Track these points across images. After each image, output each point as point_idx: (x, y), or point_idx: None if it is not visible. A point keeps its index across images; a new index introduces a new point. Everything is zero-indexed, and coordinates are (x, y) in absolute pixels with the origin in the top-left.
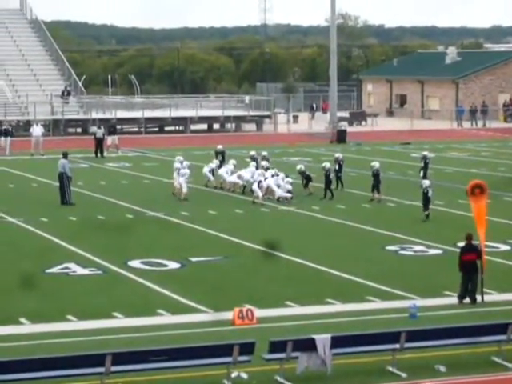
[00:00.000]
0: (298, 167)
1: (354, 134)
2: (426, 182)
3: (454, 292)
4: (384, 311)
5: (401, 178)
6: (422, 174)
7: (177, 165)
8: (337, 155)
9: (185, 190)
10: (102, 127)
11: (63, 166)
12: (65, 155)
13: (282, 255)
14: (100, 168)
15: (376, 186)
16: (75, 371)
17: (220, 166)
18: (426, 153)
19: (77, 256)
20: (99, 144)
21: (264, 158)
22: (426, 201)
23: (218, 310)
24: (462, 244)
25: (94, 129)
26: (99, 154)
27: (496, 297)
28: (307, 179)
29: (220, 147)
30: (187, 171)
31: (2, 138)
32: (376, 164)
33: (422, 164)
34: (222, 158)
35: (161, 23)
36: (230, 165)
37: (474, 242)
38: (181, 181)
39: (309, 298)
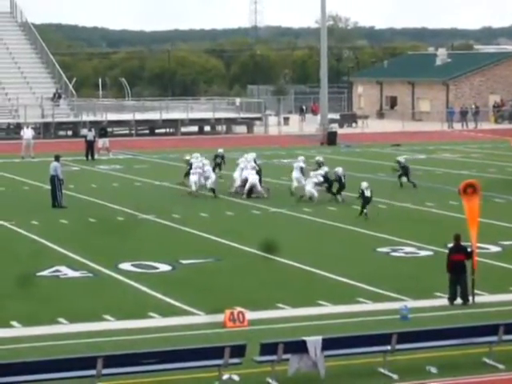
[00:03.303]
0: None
1: (344, 136)
2: (364, 184)
3: (445, 293)
4: (375, 313)
5: (391, 180)
6: (403, 179)
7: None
8: (317, 158)
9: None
10: (93, 130)
11: (55, 168)
12: (57, 158)
13: (273, 257)
14: (91, 171)
15: (339, 189)
16: (66, 374)
17: (220, 169)
18: (400, 158)
19: (68, 259)
20: (90, 147)
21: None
22: (364, 201)
23: (209, 312)
24: (450, 245)
25: (84, 131)
26: (90, 157)
27: (487, 298)
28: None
29: (220, 151)
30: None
31: None
32: (339, 169)
33: (399, 169)
34: (222, 161)
35: (151, 26)
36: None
37: (464, 243)
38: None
39: (300, 300)
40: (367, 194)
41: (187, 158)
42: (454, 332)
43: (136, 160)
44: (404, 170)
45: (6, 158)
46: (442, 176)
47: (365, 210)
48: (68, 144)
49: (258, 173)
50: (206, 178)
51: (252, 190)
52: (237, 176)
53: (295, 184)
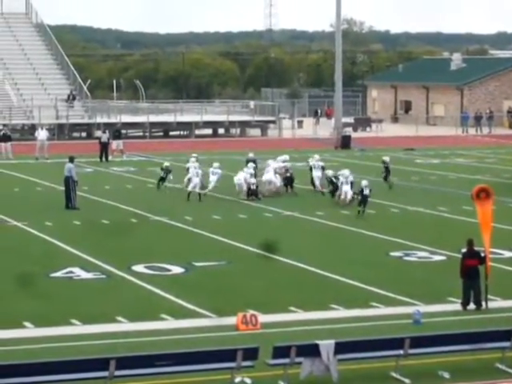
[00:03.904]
0: (343, 172)
1: (358, 140)
2: (364, 182)
3: (458, 298)
4: (388, 317)
5: (405, 184)
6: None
7: (210, 169)
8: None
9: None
10: (107, 131)
11: (69, 170)
12: (71, 159)
13: (285, 260)
14: (104, 172)
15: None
16: (79, 375)
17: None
18: (385, 158)
19: (81, 260)
20: (104, 148)
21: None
22: (363, 198)
23: (222, 315)
24: (464, 250)
25: (99, 133)
26: (104, 159)
27: (500, 303)
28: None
29: (251, 155)
30: (219, 171)
31: (3, 144)
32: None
33: (383, 169)
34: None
35: (166, 28)
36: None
37: (477, 248)
38: (212, 179)
39: (312, 304)
40: (365, 192)
41: (167, 164)
42: (466, 337)
43: (150, 162)
44: (386, 170)
45: (21, 158)
46: (456, 181)
47: (359, 208)
48: (82, 145)
49: (289, 177)
50: (189, 180)
51: (250, 191)
52: (269, 178)
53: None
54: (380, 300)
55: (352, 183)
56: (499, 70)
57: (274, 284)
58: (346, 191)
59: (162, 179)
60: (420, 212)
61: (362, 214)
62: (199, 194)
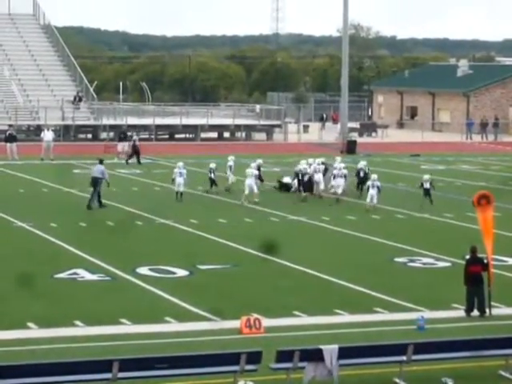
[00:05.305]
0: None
1: (364, 145)
2: (425, 177)
3: (462, 305)
4: (392, 323)
5: (410, 190)
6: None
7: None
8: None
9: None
10: (135, 135)
11: (102, 171)
12: (101, 161)
13: (290, 265)
14: (111, 175)
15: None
16: (82, 377)
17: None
18: (322, 159)
19: (85, 262)
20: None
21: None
22: (424, 192)
23: (226, 318)
24: (467, 257)
25: (134, 137)
26: (131, 160)
27: (504, 310)
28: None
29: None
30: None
31: (8, 144)
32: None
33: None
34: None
35: (173, 31)
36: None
37: (481, 255)
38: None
39: (316, 308)
40: (425, 186)
41: (260, 161)
42: (470, 344)
43: (155, 165)
44: (325, 170)
45: (26, 159)
46: (461, 187)
47: (422, 203)
48: (88, 147)
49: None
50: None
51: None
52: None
53: (322, 187)
54: (384, 306)
55: (379, 188)
56: (506, 77)
57: (279, 288)
58: (373, 195)
59: (259, 177)
60: (425, 218)
61: (428, 204)
62: (176, 193)
